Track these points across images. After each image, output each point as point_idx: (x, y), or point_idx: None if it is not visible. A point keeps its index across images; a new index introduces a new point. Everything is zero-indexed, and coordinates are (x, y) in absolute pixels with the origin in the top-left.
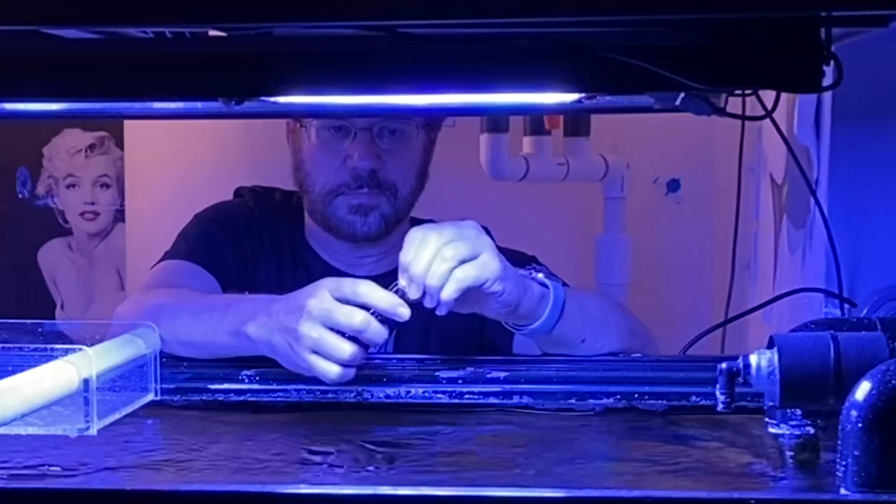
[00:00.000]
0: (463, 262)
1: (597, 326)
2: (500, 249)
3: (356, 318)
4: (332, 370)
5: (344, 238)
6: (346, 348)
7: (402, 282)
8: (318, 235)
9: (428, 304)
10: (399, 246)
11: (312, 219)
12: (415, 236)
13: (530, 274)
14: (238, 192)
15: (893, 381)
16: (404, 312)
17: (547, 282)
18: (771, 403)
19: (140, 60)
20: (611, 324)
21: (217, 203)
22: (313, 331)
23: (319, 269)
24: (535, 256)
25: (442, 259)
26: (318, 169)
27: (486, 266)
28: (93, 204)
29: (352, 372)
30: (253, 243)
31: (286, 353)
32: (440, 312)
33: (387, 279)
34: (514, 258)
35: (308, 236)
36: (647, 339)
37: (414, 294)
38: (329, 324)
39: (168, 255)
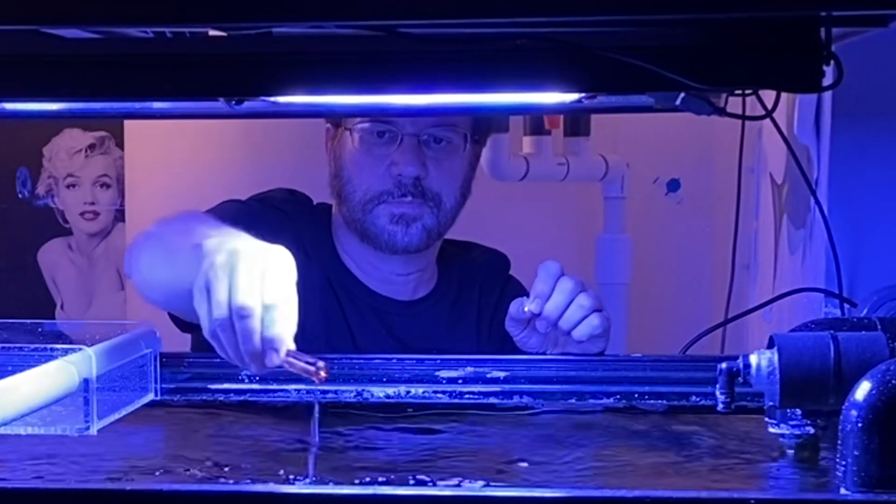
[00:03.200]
0: (594, 311)
1: None
2: (472, 245)
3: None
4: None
5: (383, 249)
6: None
7: (529, 306)
8: (354, 251)
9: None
10: (431, 267)
11: (350, 229)
12: (552, 269)
13: None
14: (260, 199)
15: (893, 381)
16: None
17: None
18: (771, 403)
19: (140, 60)
20: None
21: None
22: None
23: (356, 291)
24: (506, 255)
25: (579, 306)
26: (360, 174)
27: (608, 319)
28: (93, 204)
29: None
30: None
31: (203, 274)
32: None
33: (425, 303)
34: (489, 257)
35: (342, 253)
36: None
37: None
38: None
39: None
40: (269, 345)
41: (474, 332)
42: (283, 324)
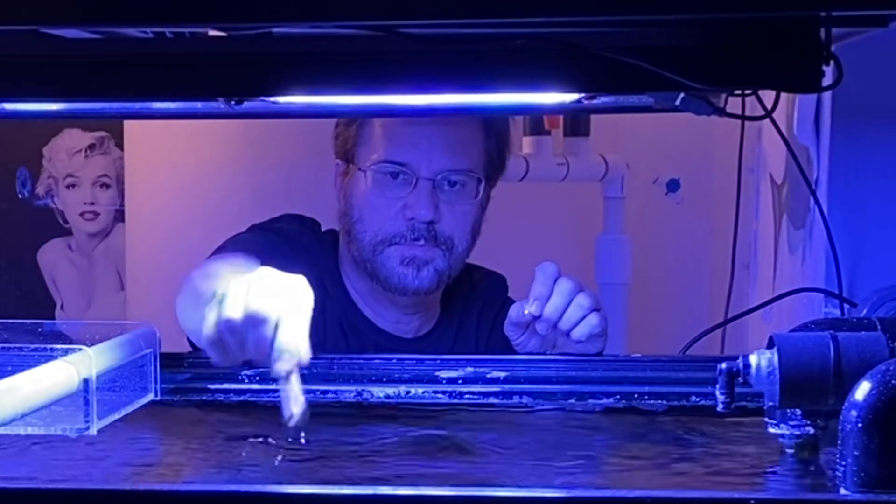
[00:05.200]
0: (593, 310)
1: None
2: (472, 269)
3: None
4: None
5: (393, 291)
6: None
7: (529, 308)
8: (361, 287)
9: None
10: (436, 305)
11: (359, 268)
12: (549, 270)
13: None
14: (265, 228)
15: (893, 381)
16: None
17: None
18: (771, 403)
19: (140, 60)
20: None
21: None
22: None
23: (362, 326)
24: (505, 278)
25: (578, 306)
26: (371, 216)
27: (605, 319)
28: (93, 204)
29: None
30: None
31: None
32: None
33: (429, 338)
34: (488, 281)
35: (349, 287)
36: None
37: (543, 330)
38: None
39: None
40: (280, 353)
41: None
42: (296, 337)
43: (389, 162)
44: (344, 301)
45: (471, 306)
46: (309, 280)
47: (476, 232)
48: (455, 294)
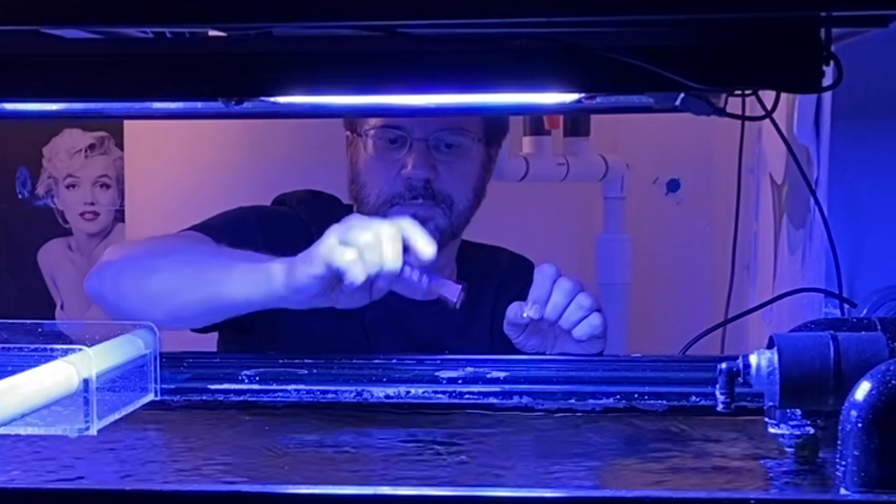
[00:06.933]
0: (594, 310)
1: None
2: (499, 250)
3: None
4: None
5: None
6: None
7: (528, 312)
8: None
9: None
10: (449, 266)
11: None
12: (548, 272)
13: None
14: (281, 200)
15: (893, 381)
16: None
17: None
18: (771, 403)
19: (140, 60)
20: None
21: (260, 205)
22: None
23: None
24: (531, 261)
25: (578, 306)
26: (373, 179)
27: (605, 320)
28: (93, 204)
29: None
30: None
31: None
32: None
33: (441, 303)
34: (512, 262)
35: None
36: None
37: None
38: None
39: (189, 229)
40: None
41: (487, 335)
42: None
43: (385, 127)
44: None
45: (489, 282)
46: (306, 248)
47: (479, 190)
48: (474, 267)
